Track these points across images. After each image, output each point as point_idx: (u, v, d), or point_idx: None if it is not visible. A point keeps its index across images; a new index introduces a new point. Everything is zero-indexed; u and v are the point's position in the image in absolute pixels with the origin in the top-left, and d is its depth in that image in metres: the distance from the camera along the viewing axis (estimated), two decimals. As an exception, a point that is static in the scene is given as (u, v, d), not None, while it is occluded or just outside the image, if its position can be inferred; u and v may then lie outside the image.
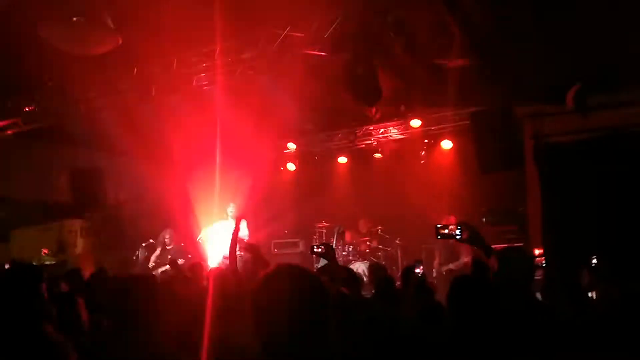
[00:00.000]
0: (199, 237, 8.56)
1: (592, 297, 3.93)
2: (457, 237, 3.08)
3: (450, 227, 3.12)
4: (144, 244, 8.89)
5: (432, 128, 9.11)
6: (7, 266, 3.93)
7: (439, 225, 3.18)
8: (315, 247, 3.74)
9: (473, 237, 3.08)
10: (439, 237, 3.17)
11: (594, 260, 4.02)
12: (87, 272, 5.43)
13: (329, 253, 3.63)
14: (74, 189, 8.78)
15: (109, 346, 2.20)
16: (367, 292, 5.09)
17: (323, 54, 5.83)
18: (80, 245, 9.61)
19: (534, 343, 2.38)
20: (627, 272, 4.11)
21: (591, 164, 6.35)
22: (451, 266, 7.84)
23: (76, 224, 9.62)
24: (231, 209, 8.66)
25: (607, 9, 5.34)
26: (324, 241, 9.40)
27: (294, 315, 1.48)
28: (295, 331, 1.47)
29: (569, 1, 5.34)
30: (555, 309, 3.00)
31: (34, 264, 7.34)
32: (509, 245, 6.46)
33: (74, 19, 4.49)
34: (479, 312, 2.36)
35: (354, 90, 5.32)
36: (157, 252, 8.21)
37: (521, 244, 7.03)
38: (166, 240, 8.22)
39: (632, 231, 5.80)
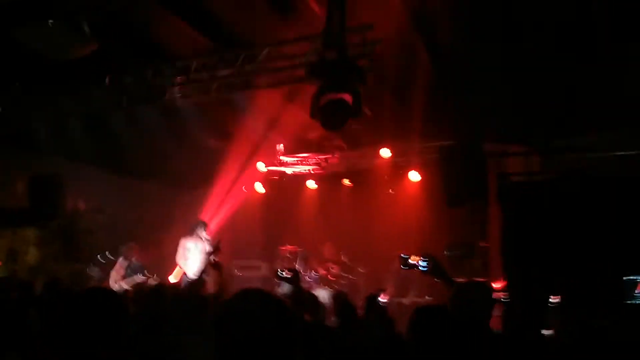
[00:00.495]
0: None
1: (549, 334, 3.99)
2: (422, 268, 3.08)
3: (414, 257, 3.11)
4: (99, 256, 8.58)
5: (401, 159, 9.24)
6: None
7: (403, 255, 3.16)
8: (280, 271, 3.71)
9: (436, 269, 3.10)
10: (403, 267, 3.16)
11: (553, 299, 4.10)
12: (39, 283, 5.20)
13: (295, 279, 3.60)
14: (31, 195, 8.45)
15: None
16: (329, 320, 5.04)
17: (300, 79, 5.89)
18: (32, 255, 9.22)
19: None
20: (585, 311, 4.21)
21: (551, 203, 6.56)
22: (404, 301, 7.95)
23: (30, 233, 9.24)
24: (200, 228, 8.33)
25: (574, 58, 5.63)
26: (288, 265, 9.32)
27: (258, 341, 1.44)
28: (259, 357, 1.44)
29: (536, 50, 5.60)
30: (513, 344, 3.03)
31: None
32: (470, 279, 6.53)
33: (50, 22, 4.40)
34: (440, 343, 2.36)
35: (323, 115, 5.36)
36: (117, 266, 7.91)
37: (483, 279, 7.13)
38: (126, 255, 7.94)
39: (590, 270, 5.98)
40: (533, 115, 6.85)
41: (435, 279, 3.12)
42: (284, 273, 3.65)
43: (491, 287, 3.71)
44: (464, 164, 6.78)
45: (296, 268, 8.53)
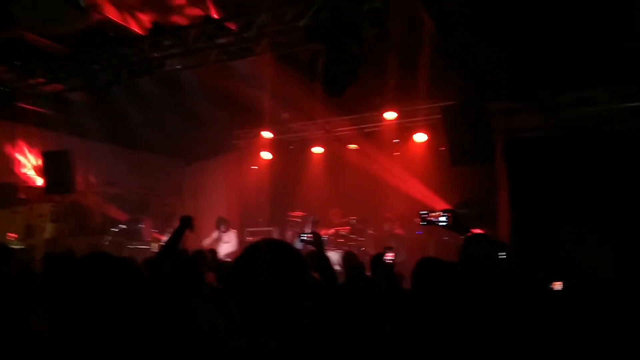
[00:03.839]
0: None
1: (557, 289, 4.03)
2: (442, 223, 3.10)
3: (433, 214, 3.13)
4: (112, 228, 8.83)
5: (406, 120, 9.19)
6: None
7: (423, 212, 3.18)
8: (303, 235, 3.73)
9: (456, 224, 3.11)
10: (423, 223, 3.18)
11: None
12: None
13: (317, 242, 3.62)
14: (44, 172, 8.60)
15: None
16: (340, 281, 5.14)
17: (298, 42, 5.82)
18: (49, 229, 9.43)
19: (497, 323, 2.43)
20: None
21: (558, 159, 6.52)
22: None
23: (46, 208, 9.43)
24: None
25: (578, 9, 5.49)
26: (301, 230, 9.44)
27: (273, 287, 1.49)
28: (272, 304, 1.49)
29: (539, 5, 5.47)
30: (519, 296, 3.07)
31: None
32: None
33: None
34: (443, 292, 2.40)
35: (325, 80, 5.32)
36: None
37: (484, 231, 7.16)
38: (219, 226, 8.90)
39: (597, 226, 5.98)
40: (537, 71, 6.74)
41: (458, 234, 3.13)
42: (306, 236, 3.67)
43: (497, 239, 3.74)
44: (467, 123, 6.73)
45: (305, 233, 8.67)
